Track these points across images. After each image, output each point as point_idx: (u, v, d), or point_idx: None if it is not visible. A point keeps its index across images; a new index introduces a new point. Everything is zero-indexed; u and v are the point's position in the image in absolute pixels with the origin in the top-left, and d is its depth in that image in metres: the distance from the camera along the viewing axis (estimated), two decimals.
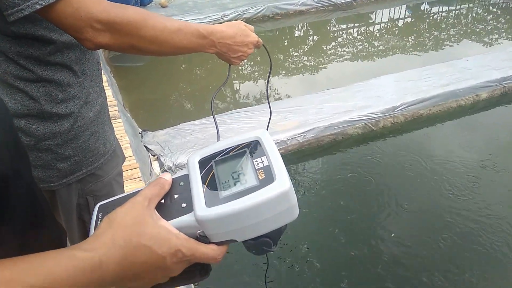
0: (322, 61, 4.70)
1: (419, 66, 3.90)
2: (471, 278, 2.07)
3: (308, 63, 4.65)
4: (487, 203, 2.52)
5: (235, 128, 2.96)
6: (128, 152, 2.30)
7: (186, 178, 0.60)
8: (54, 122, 0.90)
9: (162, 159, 2.60)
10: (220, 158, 0.60)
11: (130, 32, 0.81)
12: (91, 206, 1.05)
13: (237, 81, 4.33)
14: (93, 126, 0.99)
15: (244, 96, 4.09)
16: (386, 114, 3.23)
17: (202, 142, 2.79)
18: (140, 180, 2.14)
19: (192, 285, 1.90)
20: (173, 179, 0.59)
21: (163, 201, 0.56)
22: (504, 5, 6.46)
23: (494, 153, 3.01)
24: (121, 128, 2.53)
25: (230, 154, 0.60)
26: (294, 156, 2.98)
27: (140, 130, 2.87)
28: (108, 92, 2.93)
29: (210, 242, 0.54)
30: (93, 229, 0.57)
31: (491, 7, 6.50)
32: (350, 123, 3.15)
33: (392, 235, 2.31)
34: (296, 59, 4.80)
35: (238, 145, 0.61)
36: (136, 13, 0.81)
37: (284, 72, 4.48)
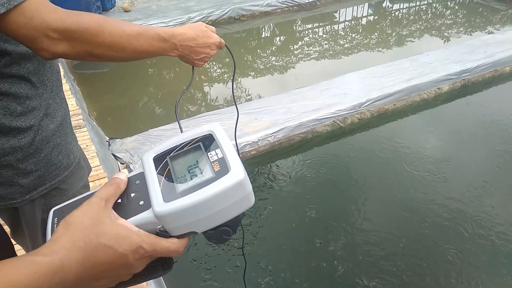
0: (290, 60, 4.75)
1: (383, 62, 4.00)
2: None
3: (276, 63, 4.69)
4: (451, 193, 2.62)
5: None
6: (95, 161, 2.25)
7: (141, 176, 0.60)
8: (13, 136, 0.87)
9: (131, 166, 2.56)
10: (174, 154, 0.60)
11: (87, 39, 0.79)
12: None
13: (206, 84, 4.31)
14: (55, 139, 0.96)
15: (213, 98, 4.08)
16: (353, 111, 3.30)
17: None
18: None
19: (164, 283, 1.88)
20: (128, 178, 0.59)
21: (119, 200, 0.56)
22: (461, 0, 6.73)
23: (458, 143, 3.14)
24: (87, 137, 2.46)
25: (185, 149, 0.61)
26: (266, 157, 2.99)
27: (107, 138, 2.80)
28: (72, 101, 2.85)
29: (170, 236, 0.54)
30: (50, 234, 0.56)
31: (449, 3, 6.75)
32: (319, 121, 3.20)
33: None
34: (264, 59, 4.83)
35: (192, 140, 0.62)
36: (92, 19, 0.80)
37: (253, 72, 4.49)
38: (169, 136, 2.89)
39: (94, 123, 2.99)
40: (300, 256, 2.23)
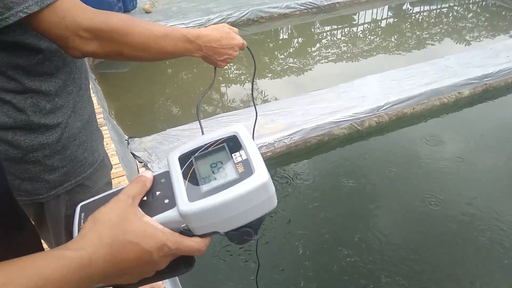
0: (308, 62, 4.74)
1: (402, 65, 3.96)
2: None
3: (293, 65, 4.69)
4: (474, 199, 2.57)
5: None
6: (114, 160, 2.29)
7: (167, 175, 0.61)
8: (41, 133, 0.89)
9: (149, 165, 2.60)
10: (199, 154, 0.61)
11: (117, 39, 0.81)
12: None
13: (223, 84, 4.34)
14: (81, 136, 0.98)
15: (231, 99, 4.10)
16: (371, 114, 3.27)
17: None
18: None
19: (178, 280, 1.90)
20: (154, 176, 0.61)
21: (145, 198, 0.57)
22: (483, 3, 6.60)
23: (478, 148, 3.08)
24: (107, 136, 2.51)
25: (209, 149, 0.62)
26: (282, 158, 3.00)
27: (127, 137, 2.85)
28: (94, 100, 2.92)
29: (193, 235, 0.56)
30: (76, 229, 0.58)
31: (471, 6, 6.63)
32: (336, 124, 3.18)
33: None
34: (281, 61, 4.83)
35: (217, 141, 0.63)
36: (121, 20, 0.82)
37: (270, 74, 4.50)
38: (187, 136, 2.92)
39: (114, 122, 3.04)
40: (315, 259, 2.22)
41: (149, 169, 2.58)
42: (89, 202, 0.62)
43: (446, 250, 2.25)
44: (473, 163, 2.94)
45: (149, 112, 3.85)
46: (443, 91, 3.55)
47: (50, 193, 0.97)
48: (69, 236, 1.09)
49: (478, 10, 6.51)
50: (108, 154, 2.24)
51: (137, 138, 2.87)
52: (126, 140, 2.82)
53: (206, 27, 0.99)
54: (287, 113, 3.24)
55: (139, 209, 0.54)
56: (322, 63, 4.73)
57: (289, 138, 3.03)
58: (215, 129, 2.97)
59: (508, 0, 6.33)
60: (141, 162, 2.63)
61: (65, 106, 0.93)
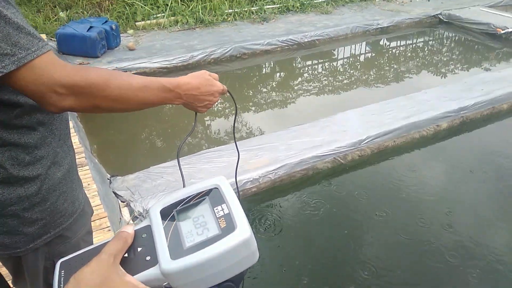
0: (290, 96, 4.83)
1: (381, 98, 4.07)
2: None
3: (276, 99, 4.76)
4: (459, 231, 2.60)
5: (206, 168, 2.95)
6: (95, 200, 2.24)
7: (148, 229, 0.60)
8: (20, 185, 0.88)
9: (132, 204, 2.55)
10: (181, 207, 0.61)
11: (94, 93, 0.81)
12: None
13: (208, 119, 4.37)
14: (61, 186, 0.97)
15: (215, 134, 4.12)
16: (353, 148, 3.32)
17: (174, 185, 2.76)
18: (109, 230, 2.07)
19: None
20: (135, 231, 0.60)
21: (126, 255, 0.56)
22: (456, 38, 6.92)
23: (459, 178, 3.14)
24: (88, 176, 2.47)
25: (191, 202, 0.62)
26: (267, 194, 2.99)
27: (109, 176, 2.81)
28: (75, 139, 2.89)
29: None
30: (56, 286, 0.56)
31: (445, 40, 6.94)
32: (320, 158, 3.21)
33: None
34: (265, 94, 4.91)
35: (198, 193, 0.63)
36: (99, 74, 0.82)
37: (254, 107, 4.56)
38: (170, 174, 2.90)
39: (96, 160, 3.00)
40: None
41: (132, 208, 2.53)
42: (70, 259, 0.61)
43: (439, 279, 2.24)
44: (455, 192, 2.99)
45: (132, 149, 3.82)
46: (422, 124, 3.64)
47: (28, 246, 0.94)
48: None
49: (452, 44, 6.81)
50: (89, 195, 2.21)
51: (120, 177, 2.83)
52: (108, 179, 2.78)
53: (186, 74, 1.01)
54: (270, 148, 3.27)
55: (121, 267, 0.53)
56: (304, 96, 4.83)
57: (274, 173, 3.04)
58: (199, 166, 2.98)
59: (479, 35, 6.65)
60: (123, 202, 2.58)
61: (45, 157, 0.92)
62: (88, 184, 2.39)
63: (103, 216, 2.16)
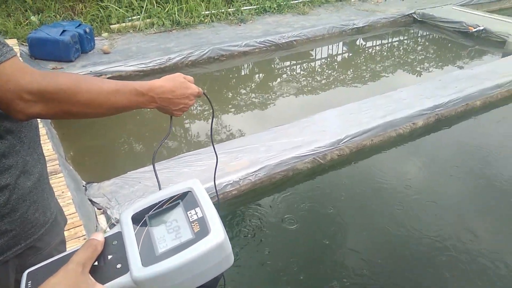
0: (269, 97, 4.83)
1: (359, 98, 4.11)
2: None
3: (256, 100, 4.76)
4: (437, 226, 2.64)
5: (186, 172, 2.91)
6: (70, 208, 2.18)
7: (119, 236, 0.59)
8: None
9: (109, 211, 2.49)
10: (153, 212, 0.60)
11: (64, 99, 0.79)
12: None
13: (187, 122, 4.32)
14: (32, 196, 0.93)
15: (193, 137, 4.08)
16: (332, 147, 3.35)
17: (152, 190, 2.71)
18: (85, 239, 2.02)
19: None
20: (105, 238, 0.58)
21: (96, 263, 0.55)
22: (430, 36, 7.07)
23: (434, 175, 3.20)
24: (63, 183, 2.40)
25: (164, 207, 0.60)
26: (247, 196, 2.98)
27: (84, 183, 2.74)
28: (48, 146, 2.80)
29: None
30: None
31: (419, 39, 7.08)
32: (299, 159, 3.22)
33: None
34: (244, 96, 4.90)
35: (172, 197, 0.62)
36: (69, 79, 0.80)
37: (233, 110, 4.54)
38: (148, 179, 2.85)
39: (71, 167, 2.93)
40: None
41: (108, 215, 2.48)
42: (37, 269, 0.59)
43: (408, 274, 2.27)
44: (431, 188, 3.04)
45: (109, 155, 3.74)
46: (398, 123, 3.70)
47: None
48: None
49: (426, 43, 6.96)
50: (64, 203, 2.15)
51: (96, 183, 2.77)
52: (83, 186, 2.71)
53: (160, 78, 0.99)
54: (250, 150, 3.25)
55: (90, 276, 0.51)
56: (283, 97, 4.84)
57: (254, 175, 3.03)
58: (178, 169, 2.93)
59: (452, 34, 6.82)
60: (99, 209, 2.52)
61: (13, 166, 0.88)
62: (63, 192, 2.32)
63: (78, 224, 2.10)
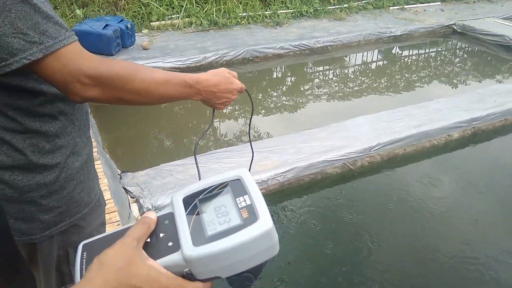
0: (301, 101, 4.83)
1: (392, 107, 4.05)
2: None
3: (287, 103, 4.77)
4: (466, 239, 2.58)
5: (216, 168, 2.96)
6: (106, 194, 2.26)
7: (171, 216, 0.61)
8: (39, 173, 0.89)
9: (141, 201, 2.57)
10: (204, 196, 0.62)
11: (118, 86, 0.83)
12: (71, 258, 1.02)
13: (218, 121, 4.39)
14: (79, 176, 0.98)
15: (224, 135, 4.13)
16: (363, 154, 3.31)
17: (183, 183, 2.78)
18: (119, 224, 2.09)
19: None
20: (158, 217, 0.61)
21: (149, 240, 0.57)
22: (469, 49, 6.88)
23: (466, 190, 3.12)
24: (100, 170, 2.49)
25: (214, 192, 0.62)
26: (275, 196, 2.99)
27: (119, 172, 2.83)
28: None
29: (195, 279, 0.56)
30: (78, 269, 0.57)
31: (457, 51, 6.90)
32: (329, 163, 3.21)
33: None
34: (275, 99, 4.92)
35: (221, 184, 0.64)
36: (124, 67, 0.84)
37: (263, 111, 4.57)
38: (180, 172, 2.91)
39: (108, 155, 3.03)
40: None
41: (141, 204, 2.55)
42: (92, 241, 0.62)
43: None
44: (464, 204, 2.96)
45: (143, 145, 3.85)
46: (433, 134, 3.62)
47: (44, 234, 0.95)
48: (59, 276, 1.07)
49: (465, 56, 6.77)
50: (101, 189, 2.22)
51: (130, 173, 2.86)
52: (119, 174, 2.80)
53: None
54: (280, 151, 3.27)
55: (144, 252, 0.54)
56: (314, 102, 4.83)
57: (283, 176, 3.04)
58: (208, 165, 2.99)
59: (493, 47, 6.61)
60: (133, 198, 2.60)
61: (64, 146, 0.93)
62: (100, 178, 2.40)
63: (113, 210, 2.18)
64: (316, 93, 5.03)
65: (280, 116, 4.50)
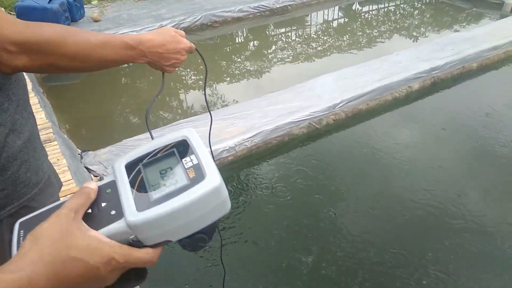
0: (264, 65, 4.77)
1: (355, 63, 4.06)
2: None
3: (251, 68, 4.70)
4: (430, 183, 2.68)
5: None
6: (66, 175, 2.18)
7: (113, 184, 0.58)
8: None
9: (105, 179, 2.50)
10: (147, 161, 0.59)
11: (49, 51, 0.76)
12: None
13: (182, 91, 4.28)
14: (22, 155, 0.91)
15: (189, 105, 4.05)
16: (327, 112, 3.33)
17: None
18: None
19: None
20: (99, 186, 0.58)
21: (90, 210, 0.54)
22: (427, 0, 6.93)
23: (431, 137, 3.22)
24: (57, 151, 2.39)
25: (158, 155, 0.59)
26: (243, 161, 2.98)
27: (79, 151, 2.73)
28: (41, 115, 2.77)
29: (144, 246, 0.53)
30: (15, 248, 0.53)
31: (416, 3, 6.94)
32: (295, 124, 3.21)
33: (334, 215, 2.38)
34: (239, 64, 4.83)
35: (166, 146, 0.61)
36: (54, 30, 0.77)
37: (228, 78, 4.49)
38: (144, 145, 2.84)
39: (65, 136, 2.91)
40: (281, 265, 2.22)
41: None
42: (29, 218, 0.58)
43: (413, 234, 2.32)
44: (426, 151, 3.06)
45: (104, 123, 3.72)
46: (394, 86, 3.67)
47: None
48: (11, 255, 1.02)
49: (423, 7, 6.82)
50: (60, 171, 2.15)
51: (91, 152, 2.76)
52: (79, 154, 2.70)
53: (150, 31, 0.96)
54: (246, 116, 3.24)
55: (83, 222, 0.51)
56: (278, 64, 4.78)
57: (250, 141, 3.03)
58: None
59: None
60: (96, 176, 2.52)
61: (1, 124, 0.86)
62: (58, 159, 2.31)
63: (74, 190, 2.11)
64: (280, 56, 4.97)
65: (246, 82, 4.44)
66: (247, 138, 3.02)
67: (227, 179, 2.82)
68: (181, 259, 2.19)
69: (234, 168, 2.92)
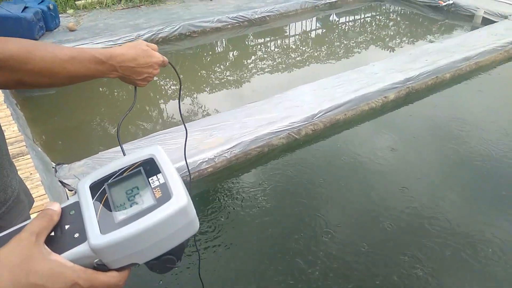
0: (244, 75, 4.78)
1: (333, 73, 4.12)
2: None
3: (230, 78, 4.70)
4: (410, 192, 2.72)
5: None
6: (39, 190, 2.12)
7: (77, 205, 0.56)
8: None
9: (70, 199, 2.43)
10: (113, 180, 0.57)
11: (15, 67, 0.74)
12: None
13: (162, 101, 4.24)
14: None
15: (168, 116, 4.01)
16: (306, 122, 3.36)
17: None
18: None
19: None
20: (62, 208, 0.56)
21: (52, 233, 0.52)
22: (402, 11, 7.12)
23: (405, 145, 3.28)
24: (30, 165, 2.32)
25: (124, 174, 0.58)
26: (223, 173, 2.97)
27: (54, 164, 2.66)
28: (14, 127, 2.69)
29: (109, 270, 0.52)
30: None
31: (391, 15, 7.12)
32: (275, 134, 3.22)
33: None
34: (218, 74, 4.83)
35: (132, 164, 0.59)
36: (20, 45, 0.75)
37: (208, 88, 4.47)
38: (120, 158, 2.78)
39: (39, 149, 2.83)
40: (262, 274, 2.21)
41: None
42: None
43: (394, 241, 2.35)
44: (403, 158, 3.12)
45: (80, 135, 3.64)
46: (371, 96, 3.74)
47: None
48: None
49: (398, 19, 7.00)
50: (32, 185, 2.08)
51: (66, 165, 2.69)
52: (53, 167, 2.63)
53: (120, 45, 0.94)
54: (225, 127, 3.23)
55: (45, 246, 0.49)
56: (258, 74, 4.80)
57: (229, 152, 3.02)
58: None
59: (423, 8, 6.88)
60: (71, 190, 2.46)
61: None
62: (31, 173, 2.24)
63: None
64: (260, 66, 4.99)
65: (225, 92, 4.44)
66: (227, 149, 3.01)
67: (206, 191, 2.80)
68: (155, 275, 2.15)
69: (214, 180, 2.90)
